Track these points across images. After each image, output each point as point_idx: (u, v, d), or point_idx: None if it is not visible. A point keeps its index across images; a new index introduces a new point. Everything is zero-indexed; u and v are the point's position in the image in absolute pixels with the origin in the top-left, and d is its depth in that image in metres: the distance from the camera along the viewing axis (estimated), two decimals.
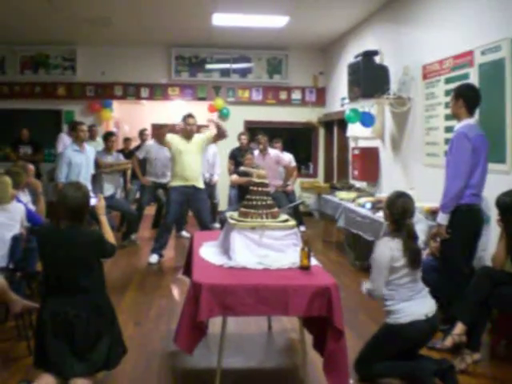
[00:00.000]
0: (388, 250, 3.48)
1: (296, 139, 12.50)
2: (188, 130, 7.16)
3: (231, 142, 9.76)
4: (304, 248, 3.63)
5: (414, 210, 3.62)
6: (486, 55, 5.50)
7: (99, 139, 9.22)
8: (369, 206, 6.65)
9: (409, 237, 3.51)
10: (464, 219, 4.28)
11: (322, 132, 12.35)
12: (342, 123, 10.31)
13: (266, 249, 3.82)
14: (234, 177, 7.38)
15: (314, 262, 3.76)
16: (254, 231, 3.84)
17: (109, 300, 3.39)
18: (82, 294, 3.18)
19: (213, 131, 7.54)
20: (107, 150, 8.41)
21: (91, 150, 7.57)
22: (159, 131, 7.21)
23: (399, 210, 3.53)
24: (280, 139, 9.88)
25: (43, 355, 3.16)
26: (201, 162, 7.39)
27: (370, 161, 8.67)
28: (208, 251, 4.11)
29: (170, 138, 7.14)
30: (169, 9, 8.73)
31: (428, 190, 6.31)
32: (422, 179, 6.92)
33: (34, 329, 3.57)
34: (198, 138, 7.34)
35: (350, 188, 8.71)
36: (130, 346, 3.52)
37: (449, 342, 4.00)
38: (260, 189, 4.03)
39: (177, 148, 7.11)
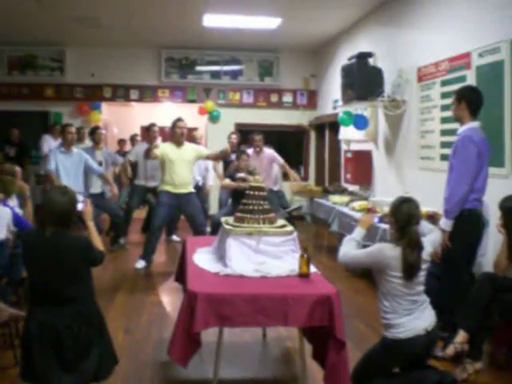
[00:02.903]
0: (382, 255, 3.32)
1: (287, 142, 12.38)
2: (178, 133, 7.03)
3: (222, 144, 9.62)
4: (303, 255, 3.50)
5: (419, 216, 3.47)
6: (483, 57, 5.41)
7: (87, 141, 9.07)
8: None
9: (409, 245, 3.33)
10: (466, 224, 4.18)
11: (313, 135, 12.25)
12: (334, 126, 10.23)
13: (262, 255, 3.71)
14: (227, 181, 7.25)
15: (312, 269, 3.64)
16: (250, 237, 3.72)
17: (98, 309, 3.24)
18: (70, 304, 3.03)
19: (206, 151, 7.48)
20: (95, 145, 8.29)
21: (79, 153, 7.40)
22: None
23: (404, 216, 3.36)
24: (270, 145, 9.74)
25: (30, 367, 3.01)
26: (191, 170, 7.28)
27: (363, 164, 8.57)
28: (202, 258, 3.98)
29: (161, 147, 7.05)
30: (159, 9, 8.60)
31: (423, 194, 6.17)
32: (416, 183, 6.82)
33: (20, 339, 3.42)
34: (190, 147, 7.24)
35: (342, 192, 8.60)
36: (120, 356, 3.37)
37: (451, 350, 3.89)
38: (256, 193, 3.91)
39: (167, 157, 6.97)
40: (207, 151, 7.42)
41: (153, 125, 8.71)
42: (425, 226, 3.61)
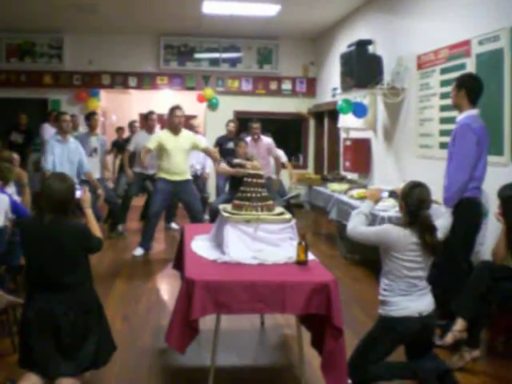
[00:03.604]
0: (389, 235, 3.33)
1: (286, 130, 12.35)
2: (176, 122, 7.03)
3: (220, 132, 9.61)
4: (301, 242, 3.50)
5: (430, 201, 3.47)
6: (483, 45, 5.38)
7: (81, 129, 9.03)
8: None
9: (425, 229, 3.33)
10: (466, 213, 4.16)
11: (312, 123, 12.22)
12: (333, 114, 10.19)
13: (260, 243, 3.69)
14: (223, 165, 7.19)
15: (310, 256, 3.64)
16: (248, 224, 3.71)
17: (96, 296, 3.25)
18: (68, 291, 3.04)
19: (203, 144, 7.46)
20: (91, 130, 8.27)
21: (76, 143, 7.33)
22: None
23: (415, 201, 3.36)
24: (270, 133, 9.69)
25: (28, 354, 3.02)
26: (188, 157, 7.28)
27: (362, 152, 8.56)
28: (200, 245, 3.97)
29: (157, 138, 7.07)
30: None
31: None
32: (415, 171, 6.80)
33: (18, 326, 3.43)
34: (187, 135, 7.24)
35: (341, 179, 8.58)
36: (118, 342, 3.38)
37: (450, 338, 3.88)
38: (255, 180, 3.90)
39: (164, 146, 6.98)
40: (205, 145, 7.41)
41: (151, 113, 8.68)
42: (437, 209, 3.62)
